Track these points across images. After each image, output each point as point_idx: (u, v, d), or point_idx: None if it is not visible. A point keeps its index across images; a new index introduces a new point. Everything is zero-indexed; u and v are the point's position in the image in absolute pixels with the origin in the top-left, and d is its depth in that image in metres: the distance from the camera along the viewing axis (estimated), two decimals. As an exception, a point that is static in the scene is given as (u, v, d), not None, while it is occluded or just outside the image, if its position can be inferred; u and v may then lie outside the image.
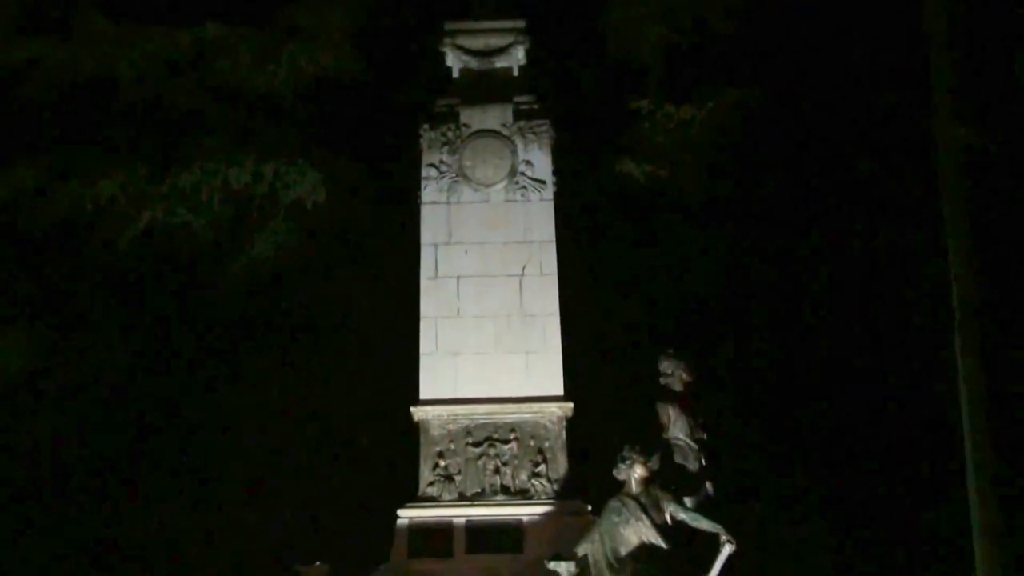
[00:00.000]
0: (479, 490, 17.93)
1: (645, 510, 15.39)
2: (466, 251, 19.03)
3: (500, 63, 19.83)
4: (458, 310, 18.77)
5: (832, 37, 20.39)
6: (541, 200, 19.16)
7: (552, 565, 15.62)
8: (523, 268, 18.90)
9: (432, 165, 19.23)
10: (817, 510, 23.76)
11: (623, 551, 15.36)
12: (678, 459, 16.50)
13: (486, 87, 19.67)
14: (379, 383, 21.16)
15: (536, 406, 18.23)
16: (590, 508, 17.34)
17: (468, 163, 19.19)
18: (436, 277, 18.94)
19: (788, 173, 22.19)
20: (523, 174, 19.20)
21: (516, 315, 18.72)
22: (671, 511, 15.45)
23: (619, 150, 18.60)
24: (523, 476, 18.01)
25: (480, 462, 18.04)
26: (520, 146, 19.29)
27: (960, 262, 18.52)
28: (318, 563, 17.29)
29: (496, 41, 19.78)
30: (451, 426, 18.22)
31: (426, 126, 19.36)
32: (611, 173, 18.74)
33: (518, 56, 19.85)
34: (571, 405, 18.29)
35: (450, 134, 19.31)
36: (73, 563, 22.91)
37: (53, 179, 17.08)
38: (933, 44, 18.94)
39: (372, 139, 21.69)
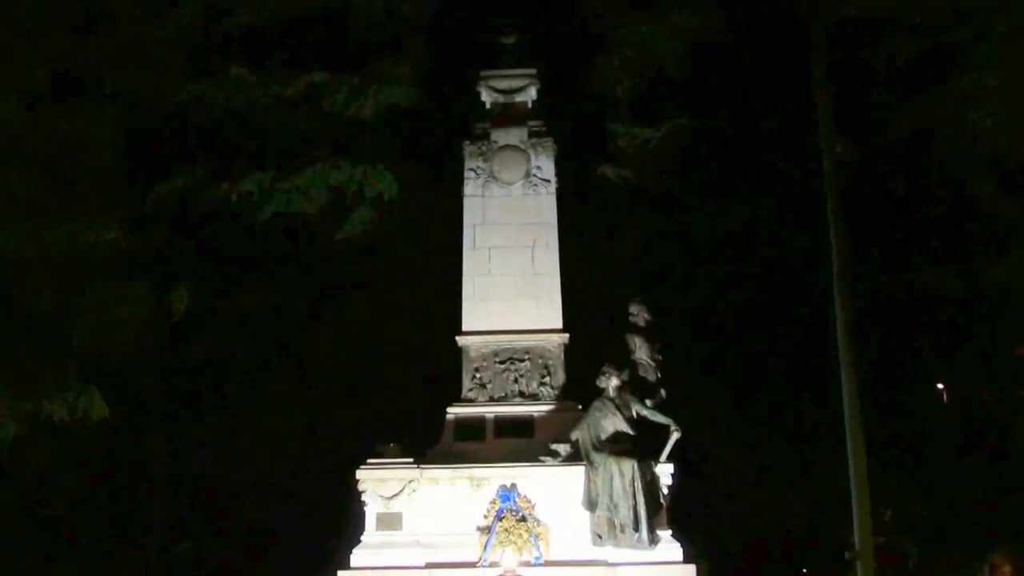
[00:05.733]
0: (503, 394, 19.34)
1: (619, 408, 17.79)
2: (495, 229, 20.33)
3: (519, 98, 21.12)
4: (489, 270, 20.19)
5: (750, 81, 22.32)
6: (547, 194, 20.48)
7: (554, 446, 18.18)
8: (534, 241, 20.28)
9: (472, 170, 20.60)
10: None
11: (603, 436, 17.68)
12: (641, 373, 18.77)
13: (509, 115, 21.06)
14: (434, 320, 22.19)
15: (543, 336, 19.68)
16: (580, 407, 18.69)
17: (497, 168, 20.50)
18: (475, 248, 20.32)
19: (718, 176, 24.20)
20: (535, 175, 20.49)
21: (529, 273, 20.11)
22: (636, 409, 17.89)
23: (601, 159, 18.88)
24: (534, 384, 19.36)
25: (504, 375, 19.39)
26: (532, 156, 20.58)
27: (837, 235, 20.64)
28: (392, 444, 18.23)
29: (516, 83, 21.10)
30: (484, 349, 19.58)
31: (467, 142, 20.80)
32: (595, 175, 18.93)
33: (531, 93, 21.19)
34: (567, 335, 19.80)
35: (484, 148, 20.68)
36: (223, 439, 25.55)
37: (209, 180, 17.44)
38: (816, 79, 20.67)
39: (430, 151, 22.98)
